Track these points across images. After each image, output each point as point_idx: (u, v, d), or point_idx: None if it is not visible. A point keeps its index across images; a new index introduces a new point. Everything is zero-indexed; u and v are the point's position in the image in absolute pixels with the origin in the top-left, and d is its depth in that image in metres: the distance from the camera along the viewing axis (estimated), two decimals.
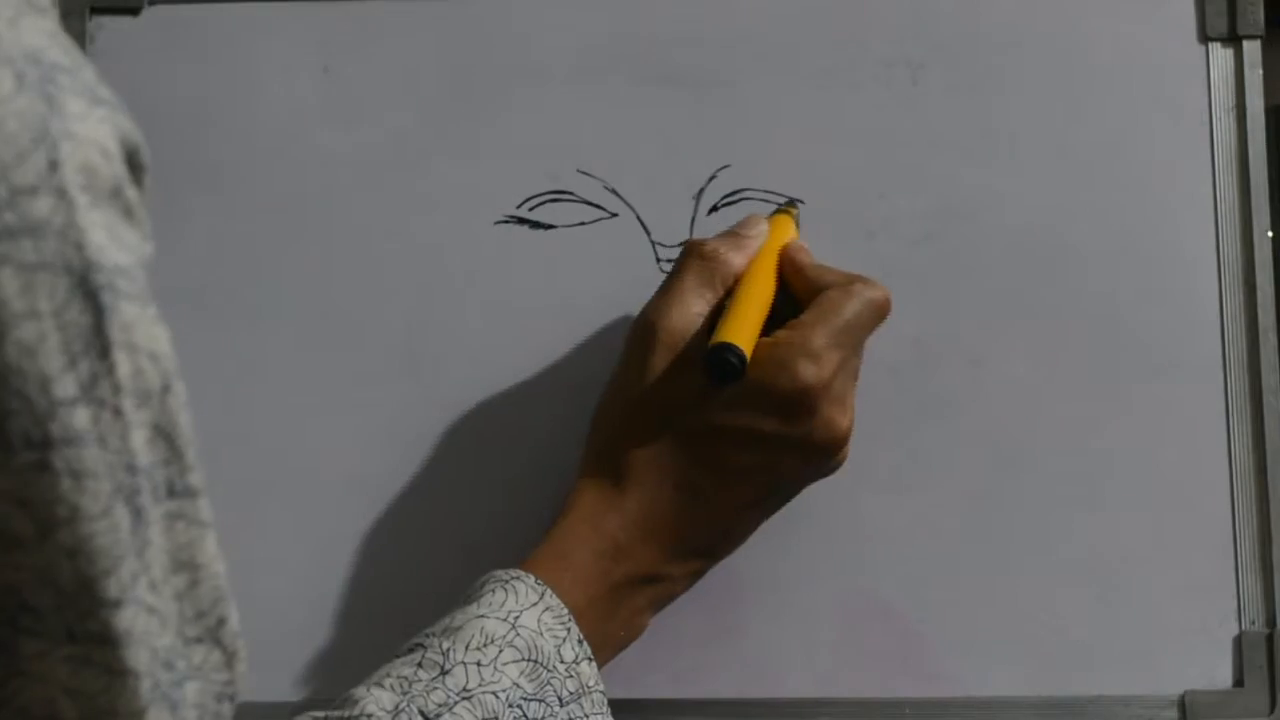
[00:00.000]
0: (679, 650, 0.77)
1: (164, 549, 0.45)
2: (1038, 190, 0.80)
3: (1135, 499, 0.78)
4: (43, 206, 0.42)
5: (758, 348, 0.68)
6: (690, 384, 0.68)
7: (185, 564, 0.46)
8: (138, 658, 0.43)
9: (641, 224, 0.81)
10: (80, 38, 0.83)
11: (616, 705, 0.76)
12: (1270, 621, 0.77)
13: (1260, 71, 0.81)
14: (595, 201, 0.81)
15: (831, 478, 0.77)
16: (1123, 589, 0.77)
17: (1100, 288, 0.79)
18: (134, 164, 0.46)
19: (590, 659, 0.66)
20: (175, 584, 0.45)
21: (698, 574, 0.71)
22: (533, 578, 0.66)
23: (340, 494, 0.79)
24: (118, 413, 0.43)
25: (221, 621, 0.47)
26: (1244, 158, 0.80)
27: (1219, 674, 0.77)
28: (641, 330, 0.71)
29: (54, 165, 0.42)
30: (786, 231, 0.75)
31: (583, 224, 0.81)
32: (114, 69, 0.82)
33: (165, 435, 0.45)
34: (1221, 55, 0.81)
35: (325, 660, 0.77)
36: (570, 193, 0.81)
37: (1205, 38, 0.81)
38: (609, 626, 0.67)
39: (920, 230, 0.80)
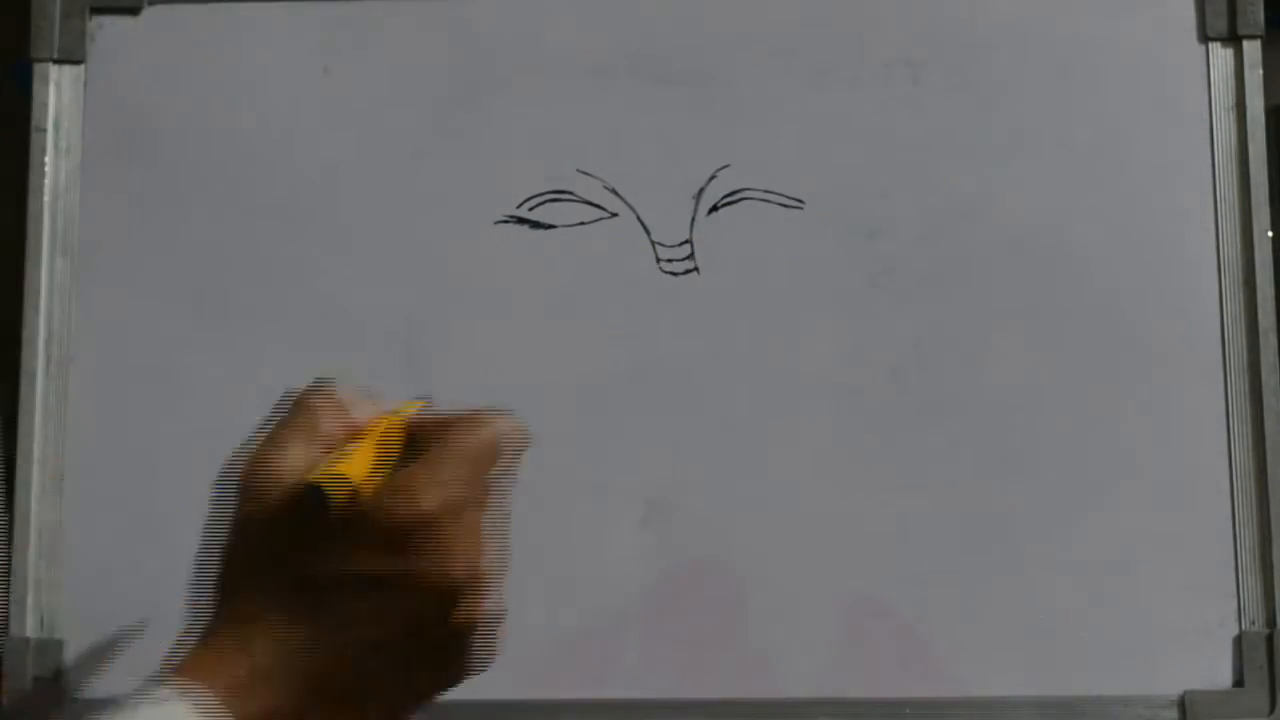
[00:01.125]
0: (679, 650, 0.77)
1: None
2: (1038, 190, 0.80)
3: (1135, 499, 0.78)
4: None
5: (372, 487, 0.64)
6: (300, 528, 0.65)
7: None
8: None
9: (641, 224, 0.81)
10: (80, 38, 0.83)
11: (616, 705, 0.76)
12: (1270, 621, 0.77)
13: (1260, 71, 0.81)
14: (595, 201, 0.81)
15: (833, 478, 0.77)
16: (1123, 589, 0.77)
17: (1100, 288, 0.79)
18: None
19: None
20: None
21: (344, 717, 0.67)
22: (190, 702, 0.63)
23: None
24: None
25: None
26: (1244, 158, 0.80)
27: (1219, 674, 0.77)
28: (245, 477, 0.67)
29: None
30: (414, 406, 0.71)
31: (583, 224, 0.81)
32: (114, 69, 0.83)
33: None
34: (1221, 55, 0.81)
35: None
36: (570, 193, 0.81)
37: (1205, 38, 0.81)
38: None
39: (920, 230, 0.80)
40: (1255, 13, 0.81)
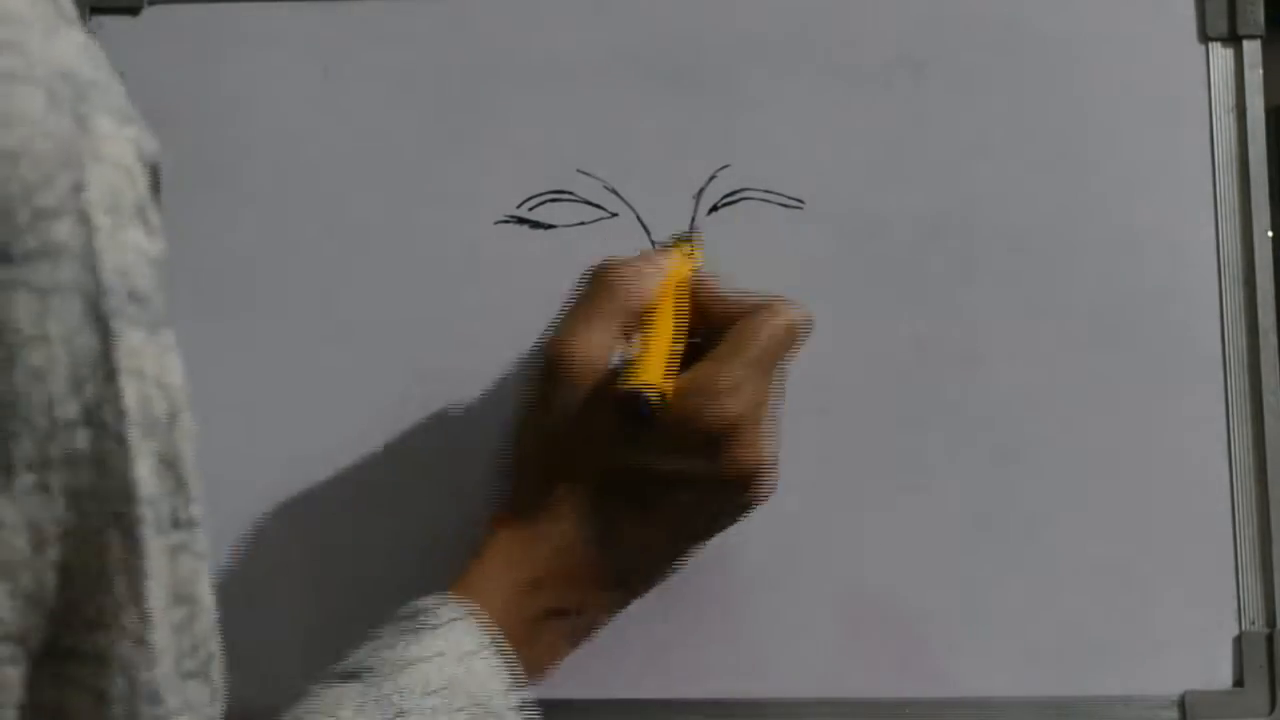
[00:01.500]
0: (679, 650, 0.77)
1: (166, 582, 0.44)
2: (1038, 190, 0.80)
3: (1136, 499, 0.78)
4: (63, 230, 0.41)
5: (675, 384, 0.66)
6: (608, 422, 0.66)
7: (185, 597, 0.45)
8: (114, 683, 0.43)
9: (641, 224, 0.81)
10: None
11: (616, 705, 0.76)
12: (1270, 621, 0.77)
13: (1260, 71, 0.81)
14: (595, 201, 0.81)
15: (833, 478, 0.77)
16: (1123, 589, 0.77)
17: (1100, 287, 0.79)
18: (154, 183, 0.45)
19: (525, 706, 0.65)
20: (174, 617, 0.44)
21: (618, 606, 0.69)
22: (476, 622, 0.64)
23: (339, 494, 0.79)
24: (121, 440, 0.43)
25: (212, 656, 0.46)
26: (1244, 158, 0.80)
27: (1219, 674, 0.77)
28: (553, 361, 0.68)
29: (78, 187, 0.42)
30: (689, 261, 0.74)
31: (583, 224, 0.81)
32: (114, 69, 0.83)
33: (171, 466, 0.45)
34: (1221, 55, 0.81)
35: (323, 662, 0.77)
36: (570, 193, 0.81)
37: (1205, 38, 0.81)
38: (525, 660, 0.66)
39: (920, 230, 0.80)
40: (1255, 13, 0.81)
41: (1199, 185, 0.80)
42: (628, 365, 0.66)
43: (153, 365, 0.44)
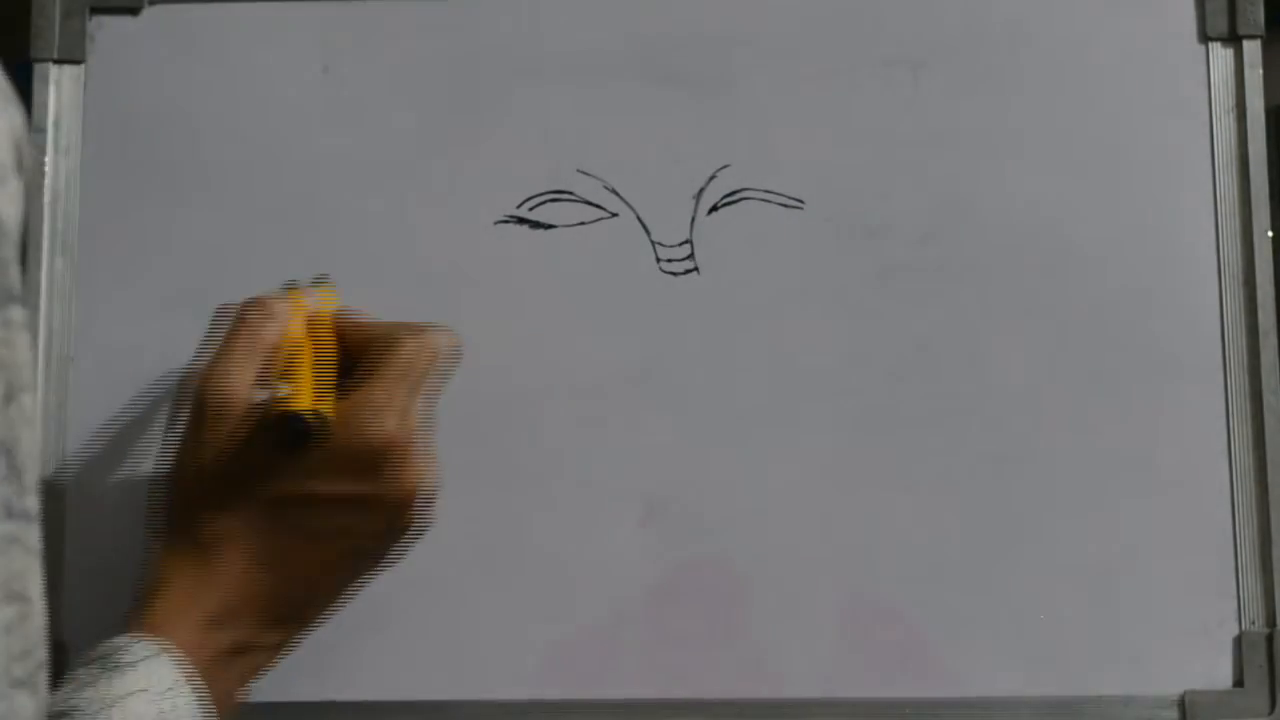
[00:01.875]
0: (679, 650, 0.77)
1: None
2: (1038, 190, 0.80)
3: (1135, 499, 0.78)
4: None
5: (331, 410, 0.67)
6: (262, 451, 0.66)
7: (16, 595, 0.41)
8: None
9: (641, 224, 0.81)
10: (80, 38, 0.83)
11: (616, 706, 0.76)
12: (1270, 621, 0.77)
13: (1260, 71, 0.81)
14: (595, 201, 0.81)
15: (834, 478, 0.77)
16: (1123, 589, 0.77)
17: (1100, 288, 0.79)
18: (17, 159, 0.42)
19: None
20: (4, 616, 0.41)
21: (288, 643, 0.69)
22: (170, 658, 0.63)
23: None
24: None
25: (41, 665, 0.43)
26: (1244, 158, 0.80)
27: (1219, 674, 0.77)
28: (203, 398, 0.67)
29: None
30: (331, 299, 0.75)
31: (583, 224, 0.81)
32: (114, 69, 0.83)
33: (5, 449, 0.41)
34: (1221, 55, 0.81)
35: (323, 660, 0.77)
36: (570, 193, 0.81)
37: (1205, 38, 0.81)
38: (214, 697, 0.65)
39: (921, 230, 0.80)
40: (1255, 13, 0.81)
41: (1199, 185, 0.80)
42: (279, 394, 0.67)
43: None
